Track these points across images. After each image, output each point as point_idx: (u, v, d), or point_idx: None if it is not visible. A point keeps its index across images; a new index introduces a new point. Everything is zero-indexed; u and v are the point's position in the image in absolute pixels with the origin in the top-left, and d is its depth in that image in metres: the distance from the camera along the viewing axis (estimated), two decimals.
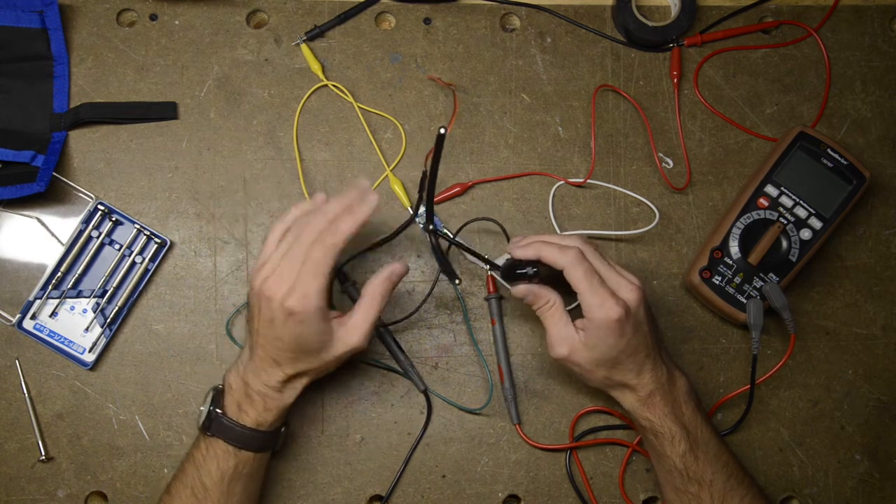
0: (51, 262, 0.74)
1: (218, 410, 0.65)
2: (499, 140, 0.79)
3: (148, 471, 0.74)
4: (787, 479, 0.77)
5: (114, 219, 0.75)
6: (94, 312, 0.74)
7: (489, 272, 0.75)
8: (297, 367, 0.64)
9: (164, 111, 0.77)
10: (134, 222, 0.75)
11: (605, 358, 0.66)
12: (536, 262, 0.67)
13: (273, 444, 0.67)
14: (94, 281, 0.75)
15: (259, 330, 0.63)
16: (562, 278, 0.66)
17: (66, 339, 0.74)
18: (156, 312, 0.75)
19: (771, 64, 0.81)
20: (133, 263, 0.75)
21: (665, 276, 0.78)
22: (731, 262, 0.75)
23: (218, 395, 0.66)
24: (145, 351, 0.75)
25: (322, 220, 0.61)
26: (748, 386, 0.74)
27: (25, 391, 0.74)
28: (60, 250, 0.74)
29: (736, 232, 0.75)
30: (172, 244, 0.76)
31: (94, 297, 0.74)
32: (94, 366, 0.74)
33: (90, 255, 0.75)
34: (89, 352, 0.74)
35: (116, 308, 0.74)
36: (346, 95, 0.78)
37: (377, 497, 0.75)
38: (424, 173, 0.77)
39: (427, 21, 0.80)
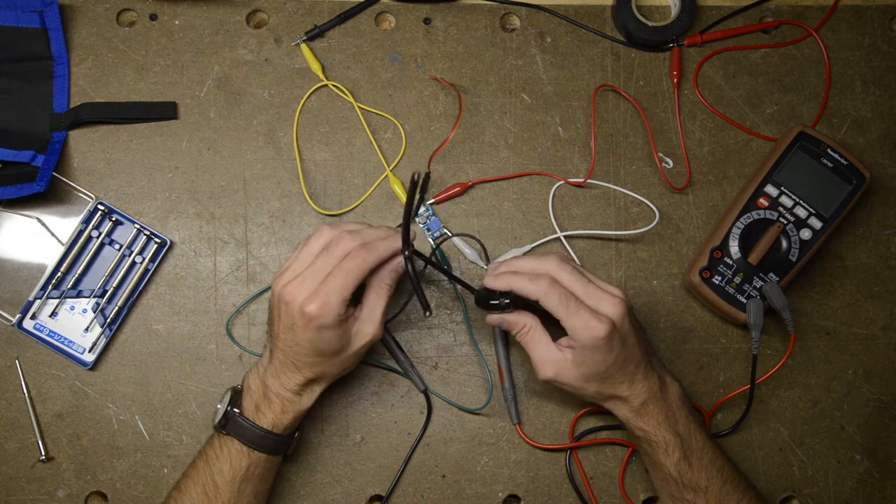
0: (51, 262, 0.74)
1: (235, 410, 0.65)
2: (499, 140, 0.79)
3: (148, 471, 0.74)
4: (787, 479, 0.77)
5: (114, 219, 0.75)
6: (94, 312, 0.74)
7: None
8: (315, 370, 0.64)
9: (164, 111, 0.77)
10: (134, 222, 0.75)
11: (594, 374, 0.66)
12: (509, 292, 0.67)
13: (286, 449, 0.68)
14: (94, 281, 0.75)
15: (279, 334, 0.64)
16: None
17: (66, 339, 0.74)
18: (156, 312, 0.76)
19: (771, 64, 0.81)
20: (133, 263, 0.75)
21: (665, 276, 0.78)
22: (731, 262, 0.75)
23: (236, 396, 0.66)
24: (145, 351, 0.75)
25: (358, 240, 0.62)
26: (748, 386, 0.74)
27: (25, 391, 0.74)
28: (60, 250, 0.74)
29: (736, 232, 0.75)
30: (172, 244, 0.76)
31: (94, 297, 0.74)
32: (94, 366, 0.74)
33: (90, 255, 0.75)
34: (89, 352, 0.74)
35: (116, 308, 0.74)
36: (346, 95, 0.78)
37: (377, 497, 0.75)
38: (426, 174, 0.77)
39: (427, 21, 0.80)
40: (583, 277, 0.66)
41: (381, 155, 0.78)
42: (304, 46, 0.78)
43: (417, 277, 0.63)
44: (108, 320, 0.74)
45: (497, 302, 0.67)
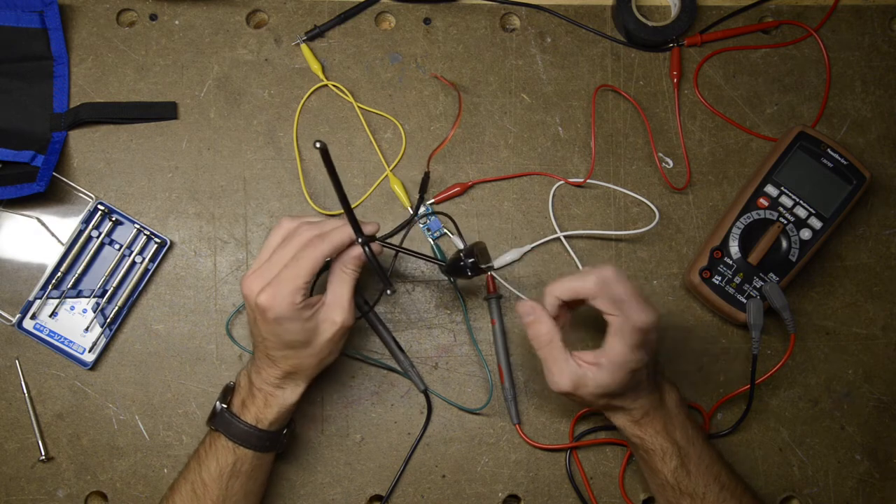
0: (51, 262, 0.74)
1: (224, 406, 0.65)
2: (499, 140, 0.79)
3: (148, 471, 0.74)
4: (787, 479, 0.77)
5: (114, 219, 0.75)
6: (94, 312, 0.74)
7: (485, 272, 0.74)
8: (290, 363, 0.64)
9: (164, 111, 0.77)
10: (134, 222, 0.75)
11: (611, 392, 0.64)
12: (471, 253, 0.66)
13: (273, 446, 0.67)
14: (94, 281, 0.75)
15: (252, 330, 0.64)
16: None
17: (65, 339, 0.74)
18: (156, 312, 0.76)
19: (771, 64, 0.81)
20: (133, 263, 0.75)
21: (665, 276, 0.78)
22: (731, 262, 0.75)
23: (227, 392, 0.67)
24: (145, 351, 0.75)
25: (315, 230, 0.62)
26: (748, 386, 0.74)
27: (25, 391, 0.74)
28: (60, 250, 0.74)
29: (736, 232, 0.75)
30: (172, 244, 0.76)
31: (94, 297, 0.74)
32: (94, 366, 0.74)
33: (90, 255, 0.75)
34: (89, 352, 0.74)
35: (116, 308, 0.74)
36: (346, 95, 0.78)
37: (377, 497, 0.75)
38: (426, 174, 0.77)
39: (427, 21, 0.80)
40: (631, 288, 0.63)
41: (381, 155, 0.78)
42: (304, 46, 0.78)
43: (376, 258, 0.62)
44: (108, 320, 0.74)
45: (462, 264, 0.67)
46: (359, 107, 0.78)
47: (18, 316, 0.73)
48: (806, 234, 0.75)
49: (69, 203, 0.76)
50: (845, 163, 0.75)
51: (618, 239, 0.79)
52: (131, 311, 0.75)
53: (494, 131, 0.79)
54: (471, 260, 0.67)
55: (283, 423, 0.67)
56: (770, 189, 0.75)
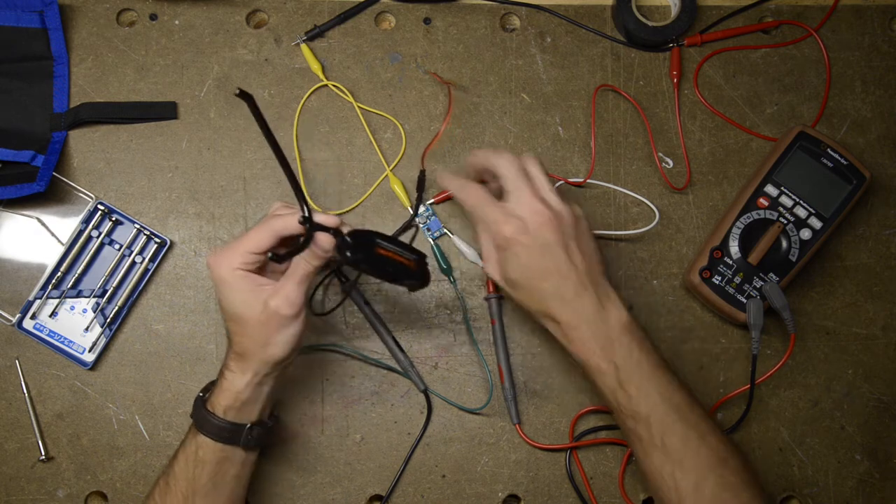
0: (51, 262, 0.74)
1: (200, 393, 0.66)
2: (499, 140, 0.79)
3: (148, 471, 0.74)
4: (787, 479, 0.77)
5: (114, 219, 0.75)
6: (94, 312, 0.74)
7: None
8: (236, 340, 0.62)
9: (164, 111, 0.77)
10: (134, 222, 0.75)
11: (514, 279, 0.65)
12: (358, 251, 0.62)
13: (234, 439, 0.63)
14: (94, 281, 0.75)
15: None
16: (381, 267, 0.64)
17: (65, 338, 0.74)
18: (156, 312, 0.76)
19: (771, 64, 0.81)
20: (133, 263, 0.75)
21: (665, 276, 0.78)
22: (731, 262, 0.75)
23: (212, 383, 0.66)
24: (145, 351, 0.75)
25: (284, 211, 0.64)
26: (748, 386, 0.74)
27: (25, 391, 0.74)
28: (60, 250, 0.74)
29: (736, 232, 0.75)
30: (172, 244, 0.76)
31: (94, 296, 0.74)
32: (94, 366, 0.74)
33: (90, 255, 0.75)
34: (89, 352, 0.74)
35: (116, 308, 0.74)
36: (346, 95, 0.78)
37: (377, 497, 0.75)
38: (422, 172, 0.77)
39: (427, 21, 0.80)
40: (545, 177, 0.67)
41: (381, 155, 0.78)
42: (304, 46, 0.78)
43: (315, 226, 0.59)
44: (108, 320, 0.74)
45: (349, 255, 0.62)
46: (359, 107, 0.78)
47: (18, 316, 0.74)
48: (806, 234, 0.75)
49: (69, 203, 0.76)
50: (845, 163, 0.75)
51: (618, 239, 0.79)
52: (131, 311, 0.75)
53: (494, 131, 0.79)
54: (347, 252, 0.62)
55: (245, 416, 0.64)
56: (770, 189, 0.75)
